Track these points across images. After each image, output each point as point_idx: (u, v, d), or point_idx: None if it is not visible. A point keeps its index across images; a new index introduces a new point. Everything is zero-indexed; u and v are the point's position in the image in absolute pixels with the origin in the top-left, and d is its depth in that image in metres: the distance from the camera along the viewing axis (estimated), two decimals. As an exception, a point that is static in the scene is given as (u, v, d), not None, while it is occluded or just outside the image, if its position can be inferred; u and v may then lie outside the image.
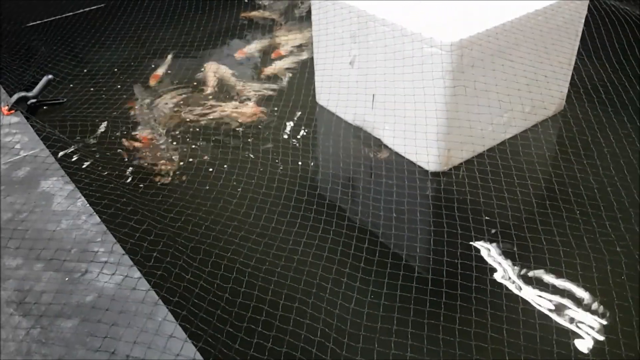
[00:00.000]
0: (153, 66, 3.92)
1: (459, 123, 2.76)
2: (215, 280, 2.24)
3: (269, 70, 3.84)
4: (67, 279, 2.22)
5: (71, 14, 4.61)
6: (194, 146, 3.14)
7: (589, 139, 2.88)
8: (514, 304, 2.14)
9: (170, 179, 2.92)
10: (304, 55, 3.95)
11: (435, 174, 2.88)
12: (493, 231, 2.49)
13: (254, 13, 4.59)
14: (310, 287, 2.24)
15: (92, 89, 3.67)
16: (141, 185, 2.85)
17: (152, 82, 3.76)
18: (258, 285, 2.22)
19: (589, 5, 3.08)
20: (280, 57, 3.97)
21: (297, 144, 3.10)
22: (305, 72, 3.70)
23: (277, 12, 4.60)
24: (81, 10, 4.63)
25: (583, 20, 3.07)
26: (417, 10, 2.85)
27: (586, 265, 2.25)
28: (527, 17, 2.80)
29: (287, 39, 4.18)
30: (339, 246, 2.38)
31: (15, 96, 3.31)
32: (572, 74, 3.19)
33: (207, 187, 2.82)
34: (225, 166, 2.97)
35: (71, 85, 3.72)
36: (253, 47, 4.14)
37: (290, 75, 3.77)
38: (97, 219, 2.49)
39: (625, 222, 2.46)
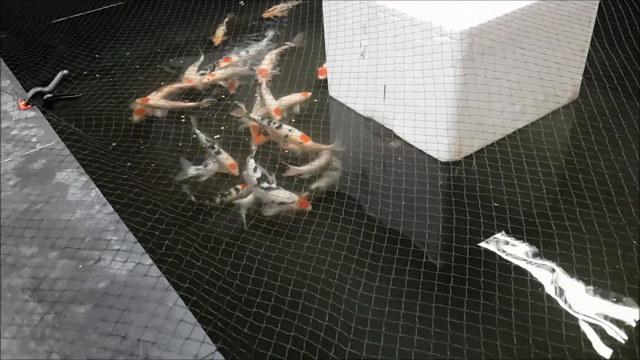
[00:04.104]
0: (171, 60, 3.97)
1: (469, 112, 2.75)
2: (225, 267, 2.26)
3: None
4: (80, 266, 2.27)
5: (90, 11, 4.69)
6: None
7: (601, 124, 2.86)
8: (522, 287, 2.14)
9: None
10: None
11: (446, 164, 2.88)
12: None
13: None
14: (318, 273, 2.25)
15: (106, 85, 3.73)
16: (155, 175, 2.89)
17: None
18: (267, 272, 2.23)
19: (602, -8, 3.05)
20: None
21: (309, 135, 3.11)
22: (316, 62, 3.71)
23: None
24: (99, 9, 4.70)
25: (596, 8, 3.04)
26: (426, 0, 2.85)
27: (597, 250, 2.24)
28: (538, 4, 2.78)
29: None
30: (347, 233, 2.39)
31: (32, 91, 3.37)
32: (586, 63, 3.16)
33: (218, 177, 2.85)
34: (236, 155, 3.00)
35: (86, 81, 3.78)
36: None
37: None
38: (110, 208, 2.53)
39: (636, 206, 2.44)
